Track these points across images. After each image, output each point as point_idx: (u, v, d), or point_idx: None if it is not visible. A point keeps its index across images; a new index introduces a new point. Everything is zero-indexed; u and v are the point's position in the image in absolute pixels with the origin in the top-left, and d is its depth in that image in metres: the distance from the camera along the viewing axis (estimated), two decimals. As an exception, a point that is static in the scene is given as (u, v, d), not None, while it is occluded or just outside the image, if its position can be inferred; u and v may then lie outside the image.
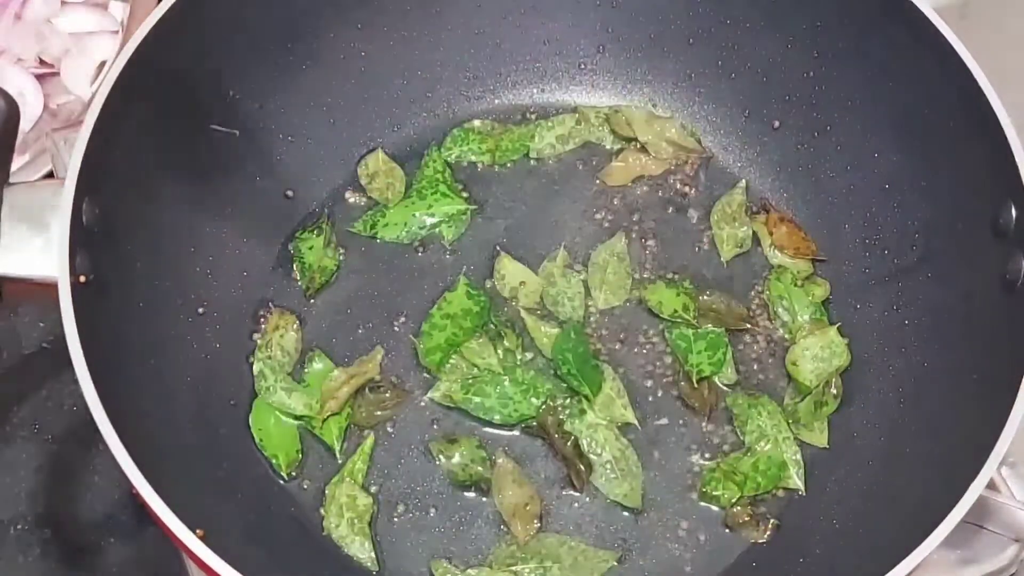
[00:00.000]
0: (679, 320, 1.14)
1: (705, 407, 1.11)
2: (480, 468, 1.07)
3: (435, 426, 1.10)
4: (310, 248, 1.17)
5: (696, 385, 1.11)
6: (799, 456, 1.08)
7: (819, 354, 1.12)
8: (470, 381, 1.10)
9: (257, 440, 1.07)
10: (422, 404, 1.11)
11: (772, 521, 1.06)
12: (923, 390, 1.05)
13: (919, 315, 1.09)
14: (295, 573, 1.00)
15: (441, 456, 1.08)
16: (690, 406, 1.11)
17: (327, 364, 1.11)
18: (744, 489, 1.06)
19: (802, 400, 1.11)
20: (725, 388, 1.12)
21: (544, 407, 1.09)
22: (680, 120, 1.24)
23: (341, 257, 1.17)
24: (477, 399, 1.09)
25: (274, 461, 1.07)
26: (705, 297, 1.16)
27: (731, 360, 1.13)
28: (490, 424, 1.10)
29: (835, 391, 1.11)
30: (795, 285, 1.16)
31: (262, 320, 1.13)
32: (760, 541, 1.05)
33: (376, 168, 1.22)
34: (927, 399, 1.04)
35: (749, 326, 1.15)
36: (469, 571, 1.03)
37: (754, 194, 1.22)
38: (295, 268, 1.16)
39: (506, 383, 1.09)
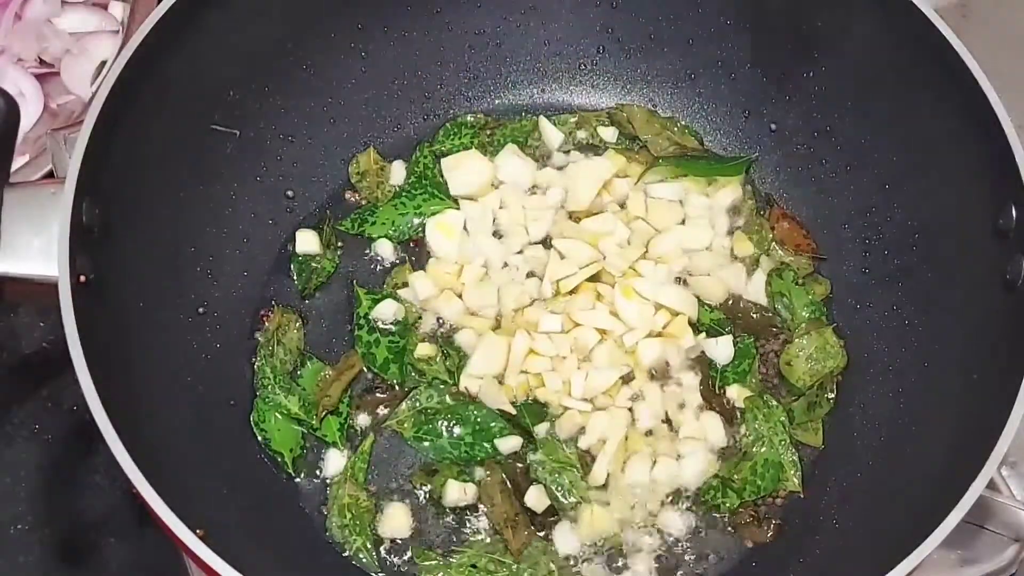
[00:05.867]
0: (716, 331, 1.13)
1: (725, 413, 1.10)
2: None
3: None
4: (309, 249, 1.17)
5: (717, 391, 1.11)
6: (795, 457, 1.08)
7: (813, 355, 1.12)
8: (423, 419, 1.08)
9: (261, 439, 1.07)
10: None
11: (775, 522, 1.06)
12: (923, 390, 1.05)
13: (919, 315, 1.09)
14: (296, 573, 1.00)
15: (423, 489, 1.06)
16: (712, 409, 1.10)
17: (317, 364, 1.12)
18: (743, 495, 1.06)
19: (796, 400, 1.11)
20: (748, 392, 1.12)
21: (507, 459, 1.07)
22: (680, 120, 1.24)
23: (339, 258, 1.18)
24: (427, 441, 1.07)
25: (279, 459, 1.07)
26: (731, 304, 1.15)
27: (756, 371, 1.12)
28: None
29: (830, 394, 1.11)
30: (795, 283, 1.16)
31: (263, 319, 1.13)
32: (763, 542, 1.05)
33: (367, 166, 1.21)
34: (927, 399, 1.04)
35: (776, 329, 1.15)
36: (449, 556, 1.03)
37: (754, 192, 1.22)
38: (293, 268, 1.17)
39: (456, 429, 1.07)
